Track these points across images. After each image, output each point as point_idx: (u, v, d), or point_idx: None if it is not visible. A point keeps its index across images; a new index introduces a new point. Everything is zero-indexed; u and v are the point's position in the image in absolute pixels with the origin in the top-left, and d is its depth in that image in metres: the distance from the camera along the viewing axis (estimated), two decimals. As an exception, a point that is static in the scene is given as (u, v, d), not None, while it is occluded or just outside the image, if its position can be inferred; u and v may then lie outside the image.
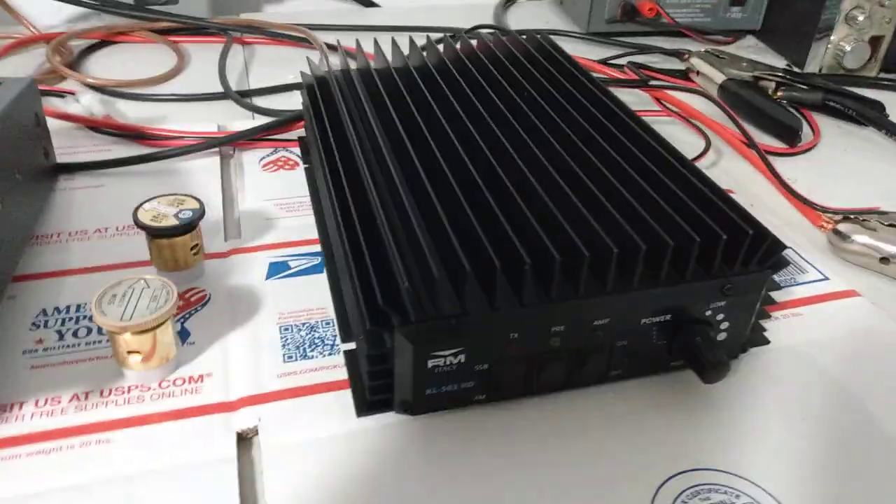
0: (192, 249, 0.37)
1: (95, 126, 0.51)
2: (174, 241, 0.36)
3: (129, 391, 0.32)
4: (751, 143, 0.50)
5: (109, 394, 0.31)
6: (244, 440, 0.30)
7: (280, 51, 0.68)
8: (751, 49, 0.72)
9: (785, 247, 0.32)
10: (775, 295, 0.34)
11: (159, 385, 0.32)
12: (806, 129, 0.55)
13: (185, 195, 0.38)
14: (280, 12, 0.81)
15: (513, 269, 0.29)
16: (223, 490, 0.28)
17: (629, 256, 0.30)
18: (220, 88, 0.58)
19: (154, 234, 0.36)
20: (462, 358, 0.29)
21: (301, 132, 0.52)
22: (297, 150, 0.51)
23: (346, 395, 0.32)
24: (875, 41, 0.64)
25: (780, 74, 0.59)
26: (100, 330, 0.35)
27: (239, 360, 0.33)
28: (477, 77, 0.44)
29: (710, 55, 0.62)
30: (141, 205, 0.37)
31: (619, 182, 0.33)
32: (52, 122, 0.48)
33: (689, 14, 0.72)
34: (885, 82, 0.65)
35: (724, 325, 0.32)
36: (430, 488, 0.28)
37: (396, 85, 0.43)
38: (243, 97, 0.57)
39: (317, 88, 0.46)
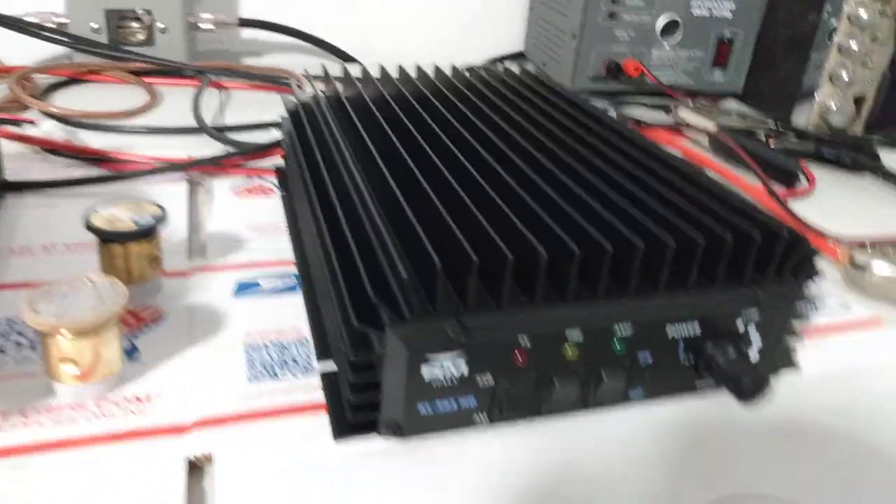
0: (149, 261, 0.33)
1: (53, 149, 0.47)
2: (129, 249, 0.32)
3: (58, 411, 0.26)
4: (762, 180, 0.48)
5: (34, 413, 0.26)
6: (196, 469, 0.25)
7: (258, 96, 0.66)
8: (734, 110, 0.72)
9: (817, 252, 0.28)
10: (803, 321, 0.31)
11: (97, 404, 0.27)
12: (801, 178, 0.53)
13: (148, 201, 0.34)
14: (258, 64, 0.80)
15: (524, 264, 0.25)
16: (166, 525, 0.22)
17: (655, 255, 0.26)
18: (193, 123, 0.55)
19: (107, 238, 0.32)
20: (463, 367, 0.25)
21: (278, 161, 0.49)
22: (274, 180, 0.47)
23: (322, 419, 0.27)
24: (859, 101, 0.64)
25: (772, 125, 0.58)
26: (35, 345, 0.29)
27: (195, 379, 0.28)
28: (471, 98, 0.41)
29: (697, 108, 0.62)
30: (95, 208, 0.33)
31: (638, 186, 0.30)
32: (5, 146, 0.44)
33: (673, 75, 0.72)
34: (870, 141, 0.65)
35: (757, 343, 0.29)
36: (425, 524, 0.23)
37: (388, 104, 0.40)
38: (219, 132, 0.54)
39: (301, 110, 0.43)
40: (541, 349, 0.25)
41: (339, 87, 0.45)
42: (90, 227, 0.31)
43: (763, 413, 0.29)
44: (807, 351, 0.33)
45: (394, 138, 0.34)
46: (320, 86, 0.45)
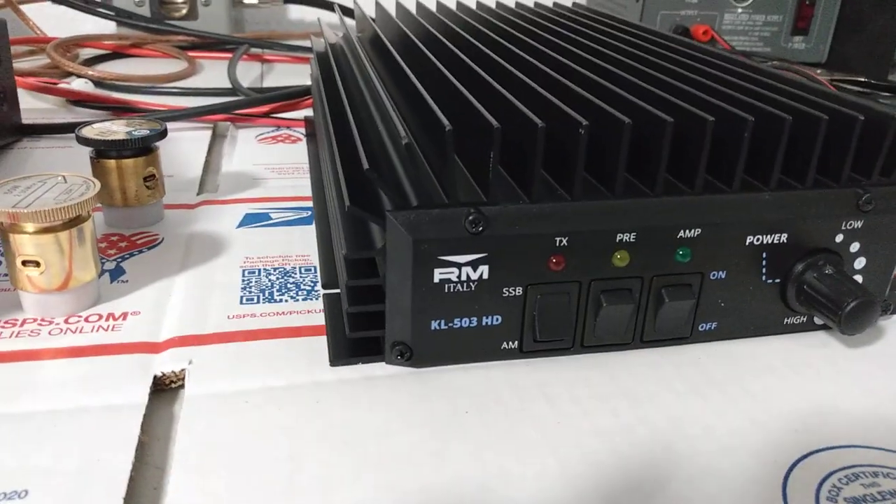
0: (145, 180, 0.29)
1: (78, 100, 0.45)
2: (123, 164, 0.29)
3: (21, 324, 0.23)
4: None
5: (-8, 324, 0.23)
6: (167, 390, 0.21)
7: (301, 68, 0.63)
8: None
9: (944, 150, 0.23)
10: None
11: (66, 320, 0.23)
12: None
13: (150, 119, 0.31)
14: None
15: (559, 144, 0.20)
16: (115, 447, 0.18)
17: (728, 138, 0.21)
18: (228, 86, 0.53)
19: (100, 152, 0.29)
20: (484, 272, 0.20)
21: (308, 112, 0.45)
22: (302, 130, 0.44)
23: (321, 342, 0.22)
24: (965, 59, 0.56)
25: (863, 80, 0.51)
26: (7, 259, 0.26)
27: (180, 300, 0.25)
28: (519, 22, 0.37)
29: (780, 64, 0.55)
30: (89, 123, 0.30)
31: (702, 77, 0.25)
32: (32, 101, 0.42)
33: (747, 42, 0.66)
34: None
35: (860, 264, 0.23)
36: (430, 470, 0.18)
37: (427, 31, 0.36)
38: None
39: (329, 50, 0.40)
40: (583, 253, 0.20)
41: (373, 23, 0.41)
42: (80, 139, 0.28)
43: (871, 351, 0.23)
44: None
45: (426, 51, 0.30)
46: (351, 22, 0.42)
